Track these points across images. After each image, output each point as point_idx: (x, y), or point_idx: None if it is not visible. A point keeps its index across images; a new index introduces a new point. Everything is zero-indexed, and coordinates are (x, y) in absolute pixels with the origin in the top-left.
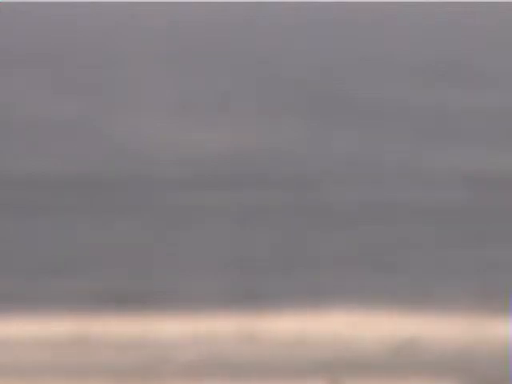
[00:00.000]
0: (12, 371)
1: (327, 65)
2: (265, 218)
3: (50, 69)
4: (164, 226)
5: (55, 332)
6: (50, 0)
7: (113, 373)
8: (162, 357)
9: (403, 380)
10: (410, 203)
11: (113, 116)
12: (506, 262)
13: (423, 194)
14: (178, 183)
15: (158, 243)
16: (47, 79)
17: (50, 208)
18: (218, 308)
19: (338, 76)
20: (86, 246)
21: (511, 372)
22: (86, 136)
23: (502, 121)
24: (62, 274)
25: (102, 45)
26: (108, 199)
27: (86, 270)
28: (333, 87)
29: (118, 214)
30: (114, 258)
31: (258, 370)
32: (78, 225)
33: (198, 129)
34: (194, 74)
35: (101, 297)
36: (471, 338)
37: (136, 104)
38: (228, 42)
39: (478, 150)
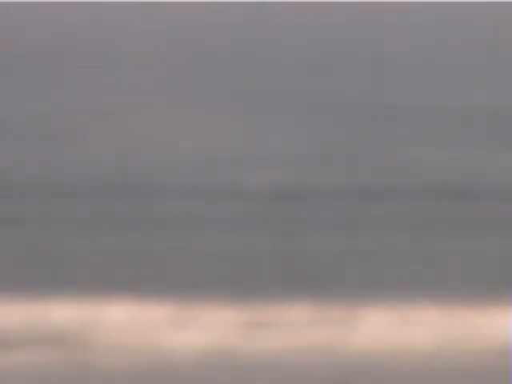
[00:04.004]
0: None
1: (327, 65)
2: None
3: (49, 69)
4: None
5: None
6: (50, 0)
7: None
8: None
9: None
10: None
11: (111, 117)
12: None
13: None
14: (175, 189)
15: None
16: (47, 79)
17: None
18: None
19: (337, 76)
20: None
21: (511, 372)
22: (85, 137)
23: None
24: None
25: (102, 45)
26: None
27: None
28: (333, 88)
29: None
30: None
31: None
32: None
33: (197, 130)
34: (193, 75)
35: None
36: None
37: (135, 105)
38: (228, 42)
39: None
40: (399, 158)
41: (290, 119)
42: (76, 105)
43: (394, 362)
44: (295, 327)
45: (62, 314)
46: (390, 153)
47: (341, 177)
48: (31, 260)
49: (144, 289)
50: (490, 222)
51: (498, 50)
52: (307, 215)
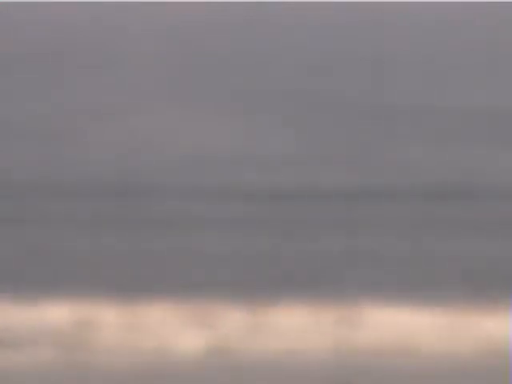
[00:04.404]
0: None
1: (327, 65)
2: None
3: (49, 69)
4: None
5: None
6: (50, 0)
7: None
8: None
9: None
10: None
11: (111, 117)
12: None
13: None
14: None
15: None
16: (47, 79)
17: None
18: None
19: (337, 76)
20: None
21: (511, 372)
22: (84, 137)
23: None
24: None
25: (102, 45)
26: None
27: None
28: (333, 88)
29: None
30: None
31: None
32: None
33: (197, 130)
34: (193, 75)
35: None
36: None
37: (134, 105)
38: (228, 42)
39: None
40: (399, 158)
41: (290, 119)
42: (76, 105)
43: (394, 362)
44: (295, 327)
45: (61, 313)
46: (390, 153)
47: (341, 177)
48: (31, 260)
49: (144, 289)
50: (490, 222)
51: (498, 50)
52: (307, 215)
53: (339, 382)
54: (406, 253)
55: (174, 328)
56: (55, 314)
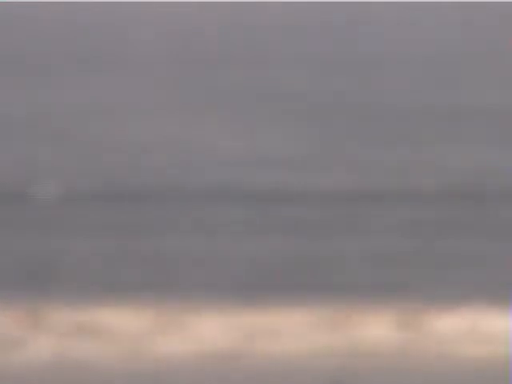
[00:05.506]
0: None
1: (327, 65)
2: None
3: (50, 69)
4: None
5: None
6: (50, 0)
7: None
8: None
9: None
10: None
11: (111, 118)
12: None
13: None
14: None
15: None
16: (48, 79)
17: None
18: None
19: (337, 76)
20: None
21: (511, 372)
22: (84, 138)
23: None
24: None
25: (102, 45)
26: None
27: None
28: (333, 87)
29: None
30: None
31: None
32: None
33: (198, 132)
34: (194, 75)
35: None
36: None
37: (135, 106)
38: (228, 43)
39: None
40: (400, 159)
41: (290, 119)
42: (76, 105)
43: (392, 364)
44: (295, 330)
45: (61, 315)
46: (390, 153)
47: (341, 178)
48: (29, 263)
49: (144, 291)
50: (492, 222)
51: (498, 50)
52: (307, 216)
53: (338, 382)
54: (406, 253)
55: (173, 332)
56: (54, 316)
